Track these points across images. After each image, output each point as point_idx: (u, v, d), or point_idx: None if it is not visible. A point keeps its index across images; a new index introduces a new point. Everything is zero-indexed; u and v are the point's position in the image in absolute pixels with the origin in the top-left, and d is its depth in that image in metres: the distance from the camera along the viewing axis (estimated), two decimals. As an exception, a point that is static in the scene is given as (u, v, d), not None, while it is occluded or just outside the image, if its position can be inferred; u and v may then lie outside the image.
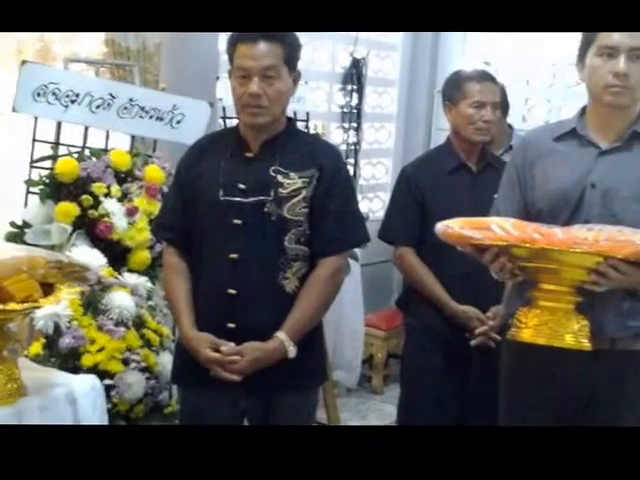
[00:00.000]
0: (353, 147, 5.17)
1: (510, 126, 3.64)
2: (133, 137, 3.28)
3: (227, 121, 3.68)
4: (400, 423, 3.17)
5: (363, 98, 5.08)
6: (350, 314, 4.59)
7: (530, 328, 1.92)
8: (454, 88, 2.93)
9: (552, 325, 1.90)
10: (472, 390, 3.01)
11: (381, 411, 4.62)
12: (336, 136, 5.05)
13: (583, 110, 2.19)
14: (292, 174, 2.23)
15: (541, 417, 2.17)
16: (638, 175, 2.07)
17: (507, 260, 1.93)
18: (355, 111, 5.07)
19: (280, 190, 2.21)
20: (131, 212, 2.95)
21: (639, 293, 2.00)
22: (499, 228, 1.89)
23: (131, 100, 3.12)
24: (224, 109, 3.69)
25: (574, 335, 1.90)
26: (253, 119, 2.21)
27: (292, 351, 2.19)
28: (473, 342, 2.86)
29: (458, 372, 3.01)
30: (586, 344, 1.91)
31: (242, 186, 2.23)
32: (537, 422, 2.18)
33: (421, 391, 3.02)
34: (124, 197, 3.01)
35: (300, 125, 3.60)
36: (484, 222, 1.95)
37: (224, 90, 3.37)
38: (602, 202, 2.07)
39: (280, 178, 2.22)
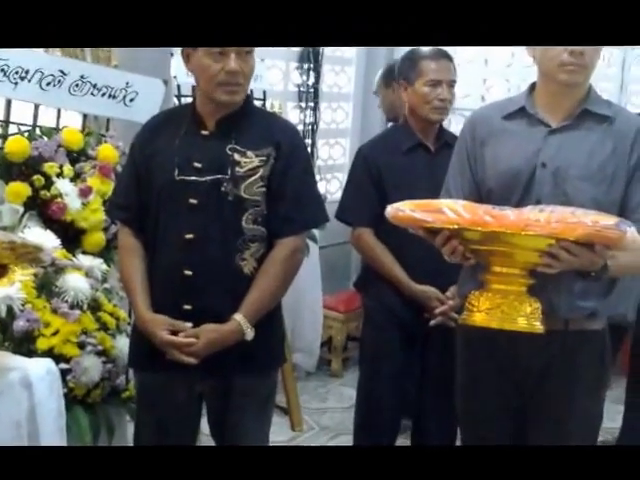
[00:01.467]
0: (310, 127, 5.14)
1: None
2: (85, 115, 3.22)
3: (182, 99, 3.64)
4: (359, 405, 3.19)
5: (320, 77, 5.06)
6: (309, 297, 4.59)
7: (482, 312, 1.92)
8: (409, 66, 2.92)
9: (504, 308, 1.90)
10: (431, 370, 3.03)
11: (340, 394, 4.64)
12: (293, 115, 5.03)
13: (532, 88, 2.19)
14: (249, 152, 2.21)
15: (495, 398, 2.20)
16: (588, 154, 2.08)
17: (459, 243, 1.93)
18: (312, 90, 5.05)
19: (237, 169, 2.19)
20: (84, 192, 2.90)
21: (591, 274, 2.00)
22: (450, 211, 1.88)
23: (82, 77, 3.05)
24: (179, 87, 3.64)
25: (526, 318, 1.91)
26: (231, 97, 2.19)
27: (250, 333, 2.19)
28: (432, 322, 2.87)
29: (417, 353, 3.03)
30: (538, 327, 1.92)
31: (198, 165, 2.21)
32: (491, 402, 2.21)
33: (380, 372, 3.03)
34: (77, 177, 2.95)
35: (257, 104, 3.58)
36: (435, 205, 1.94)
37: (178, 68, 3.33)
38: (553, 181, 2.08)
39: (237, 157, 2.20)
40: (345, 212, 3.08)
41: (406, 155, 2.94)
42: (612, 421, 3.29)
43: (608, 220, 1.85)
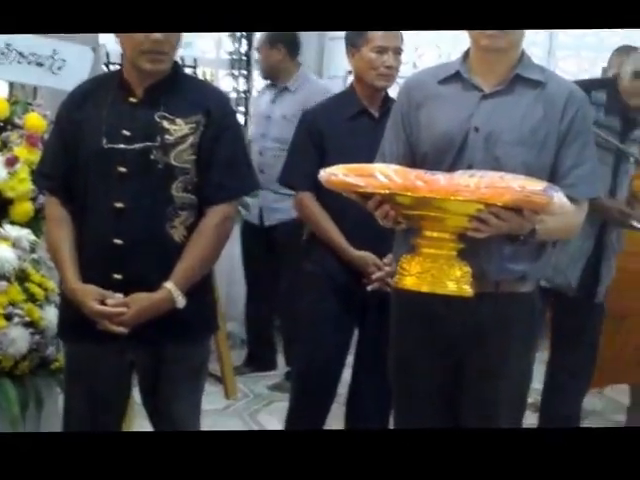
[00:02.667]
0: (244, 95, 5.11)
1: None
2: (12, 84, 3.15)
3: (111, 67, 3.59)
4: (298, 369, 3.20)
5: (253, 45, 5.01)
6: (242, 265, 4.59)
7: (413, 276, 1.93)
8: (357, 33, 2.90)
9: (434, 272, 1.91)
10: (368, 335, 3.05)
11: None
12: (225, 83, 4.98)
13: (467, 53, 2.20)
14: (178, 120, 2.18)
15: (428, 360, 2.22)
16: (520, 118, 2.10)
17: (390, 208, 1.94)
18: (245, 58, 5.01)
19: (166, 137, 2.16)
20: (11, 162, 2.84)
21: (520, 238, 2.04)
22: (382, 175, 1.89)
23: (8, 45, 2.98)
24: (107, 54, 3.59)
25: (456, 282, 1.92)
26: (155, 65, 2.15)
27: (181, 301, 2.17)
28: (369, 287, 2.89)
29: (356, 317, 3.05)
30: (468, 290, 1.94)
31: (126, 133, 2.17)
32: (423, 365, 2.23)
33: (318, 336, 3.04)
34: (4, 146, 2.89)
35: (188, 72, 3.53)
36: (368, 169, 1.94)
37: (107, 35, 3.27)
38: (485, 146, 2.10)
39: (166, 124, 2.17)
40: (288, 176, 3.09)
41: (350, 121, 2.94)
42: (541, 383, 3.37)
43: (536, 185, 1.87)
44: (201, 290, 2.27)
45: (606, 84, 3.05)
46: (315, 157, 2.91)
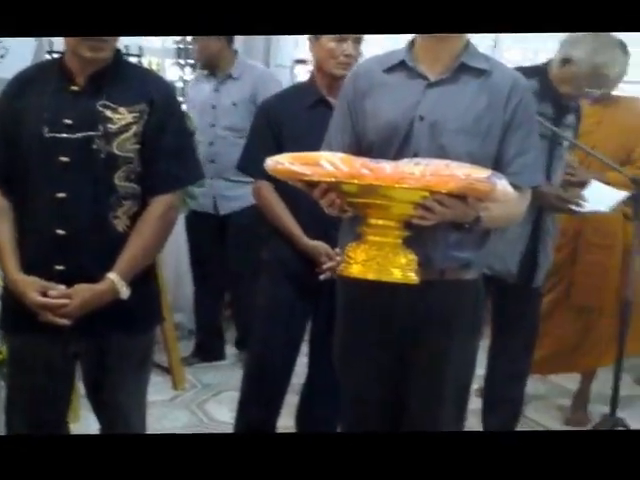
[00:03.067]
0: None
1: None
2: (-48, 72, 3.08)
3: (54, 55, 3.52)
4: (251, 357, 3.20)
5: (198, 34, 4.96)
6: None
7: (359, 263, 1.92)
8: None
9: (380, 260, 1.91)
10: (321, 323, 3.06)
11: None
12: (172, 73, 4.93)
13: (412, 42, 2.19)
14: (121, 109, 2.15)
15: (374, 349, 2.22)
16: (465, 107, 2.11)
17: (336, 196, 1.93)
18: (191, 47, 4.95)
19: (109, 125, 2.13)
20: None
21: (465, 226, 2.05)
22: (328, 163, 1.88)
23: (-52, 32, 2.91)
24: (51, 43, 3.52)
25: (401, 269, 1.93)
26: (95, 53, 2.12)
27: (124, 292, 2.15)
28: (321, 277, 2.89)
29: (309, 306, 3.06)
30: (413, 278, 1.95)
31: (68, 121, 2.14)
32: (369, 353, 2.23)
33: (271, 324, 3.04)
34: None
35: (133, 61, 3.49)
36: (313, 157, 1.93)
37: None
38: (430, 134, 2.10)
39: (108, 113, 2.14)
40: (246, 163, 3.08)
41: (309, 110, 2.93)
42: (484, 369, 3.40)
43: (480, 173, 1.88)
44: (145, 281, 2.25)
45: (538, 72, 3.09)
46: (273, 146, 2.88)
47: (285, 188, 2.80)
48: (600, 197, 3.25)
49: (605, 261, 3.76)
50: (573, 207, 3.12)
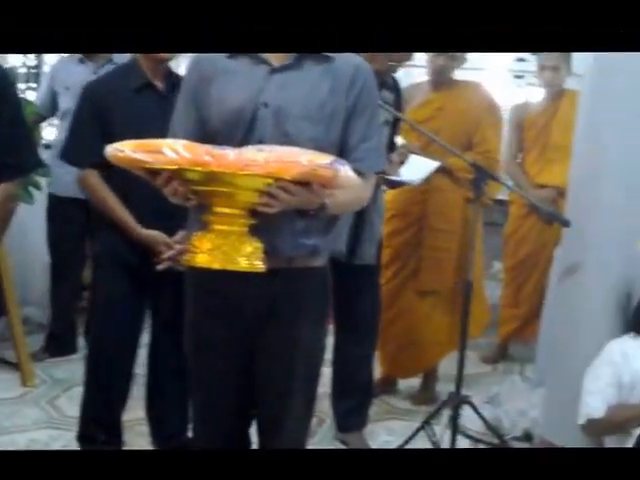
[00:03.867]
0: (35, 70, 4.89)
1: None
2: None
3: None
4: (90, 354, 3.11)
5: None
6: (40, 248, 4.40)
7: (204, 253, 1.90)
8: None
9: (226, 249, 1.90)
10: (162, 315, 3.02)
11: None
12: (14, 59, 4.75)
13: None
14: None
15: (224, 336, 2.20)
16: (308, 93, 2.11)
17: (180, 184, 1.90)
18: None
19: None
20: None
21: (311, 212, 2.05)
22: (171, 151, 1.83)
23: None
24: None
25: (247, 258, 1.92)
26: None
27: None
28: (159, 267, 2.84)
29: (147, 298, 3.00)
30: (260, 266, 1.94)
31: None
32: (220, 341, 2.21)
33: (108, 318, 2.98)
34: None
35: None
36: (155, 145, 1.88)
37: None
38: (275, 121, 2.09)
39: None
40: (68, 153, 2.97)
41: (135, 94, 2.86)
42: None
43: (323, 159, 1.89)
44: None
45: None
46: (97, 132, 2.80)
47: (117, 177, 2.73)
48: (414, 170, 3.34)
49: (448, 245, 3.88)
50: (392, 178, 3.18)
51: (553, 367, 3.39)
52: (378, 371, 3.98)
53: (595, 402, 2.79)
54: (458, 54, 3.77)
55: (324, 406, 3.57)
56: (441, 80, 3.87)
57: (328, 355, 3.35)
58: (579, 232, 3.16)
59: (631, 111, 3.06)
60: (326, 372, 3.39)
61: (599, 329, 3.08)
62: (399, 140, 3.48)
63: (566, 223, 3.18)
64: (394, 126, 3.35)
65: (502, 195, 4.54)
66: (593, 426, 2.81)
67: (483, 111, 3.88)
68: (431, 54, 3.79)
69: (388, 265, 3.85)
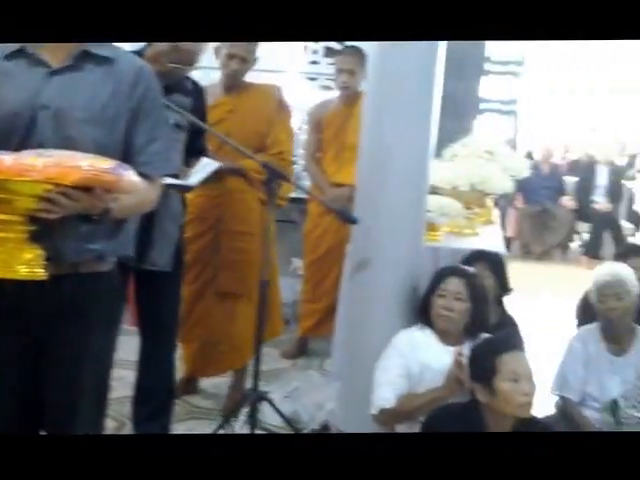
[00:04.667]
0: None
1: None
2: None
3: None
4: None
5: None
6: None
7: None
8: None
9: (4, 257, 1.85)
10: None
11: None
12: None
13: None
14: None
15: (7, 344, 2.14)
16: (89, 95, 2.09)
17: None
18: None
19: None
20: None
21: (94, 217, 2.02)
22: (-56, 155, 1.77)
23: None
24: None
25: (27, 265, 1.87)
26: None
27: None
28: None
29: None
30: (41, 273, 1.90)
31: None
32: (3, 348, 2.14)
33: None
34: None
35: None
36: None
37: None
38: (55, 125, 2.05)
39: None
40: None
41: None
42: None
43: (105, 164, 1.87)
44: None
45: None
46: None
47: None
48: (199, 172, 3.34)
49: (246, 247, 3.91)
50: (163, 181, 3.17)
51: (347, 360, 3.49)
52: (180, 372, 3.97)
53: (385, 393, 2.90)
54: (250, 57, 3.81)
55: (125, 410, 3.53)
56: (232, 83, 3.90)
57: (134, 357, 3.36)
58: (367, 229, 3.27)
59: (409, 111, 3.21)
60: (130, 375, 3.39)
61: (389, 322, 3.20)
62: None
63: (353, 220, 3.29)
64: (195, 130, 3.31)
65: (301, 194, 4.65)
66: (384, 416, 2.92)
67: (274, 113, 3.94)
68: (224, 58, 3.80)
69: (189, 268, 3.84)
